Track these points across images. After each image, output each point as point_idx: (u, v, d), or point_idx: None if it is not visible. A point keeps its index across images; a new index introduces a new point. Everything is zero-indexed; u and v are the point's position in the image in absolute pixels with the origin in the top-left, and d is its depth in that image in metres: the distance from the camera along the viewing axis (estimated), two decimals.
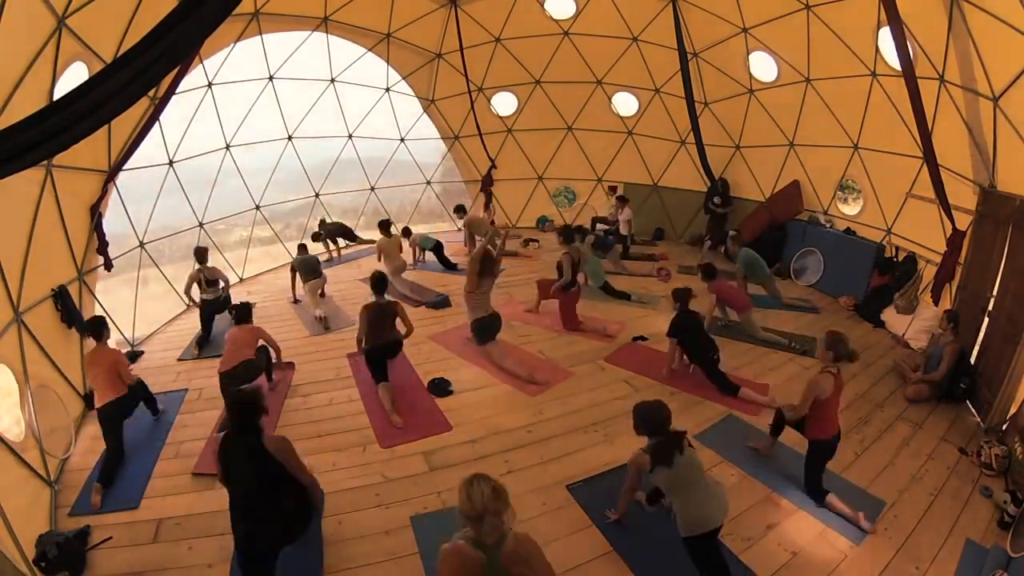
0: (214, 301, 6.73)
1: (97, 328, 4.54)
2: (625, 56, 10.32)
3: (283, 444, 2.95)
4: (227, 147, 8.69)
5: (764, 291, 7.66)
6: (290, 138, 9.75)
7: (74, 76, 4.66)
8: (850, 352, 3.75)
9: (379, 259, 8.14)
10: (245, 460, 2.78)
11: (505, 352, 5.77)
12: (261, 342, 5.25)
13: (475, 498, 2.10)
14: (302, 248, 8.00)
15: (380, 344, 5.11)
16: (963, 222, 6.01)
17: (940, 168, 5.86)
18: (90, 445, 4.44)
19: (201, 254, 6.88)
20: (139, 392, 4.65)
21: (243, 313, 5.32)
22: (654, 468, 3.05)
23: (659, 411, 3.16)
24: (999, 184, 5.46)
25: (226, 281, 7.05)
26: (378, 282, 5.29)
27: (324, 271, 7.93)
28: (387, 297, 5.38)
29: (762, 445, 4.36)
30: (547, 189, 12.34)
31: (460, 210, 10.40)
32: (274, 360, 5.40)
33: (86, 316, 5.26)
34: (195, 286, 6.80)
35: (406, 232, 9.71)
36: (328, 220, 10.47)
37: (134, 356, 6.15)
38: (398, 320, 5.26)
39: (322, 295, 7.86)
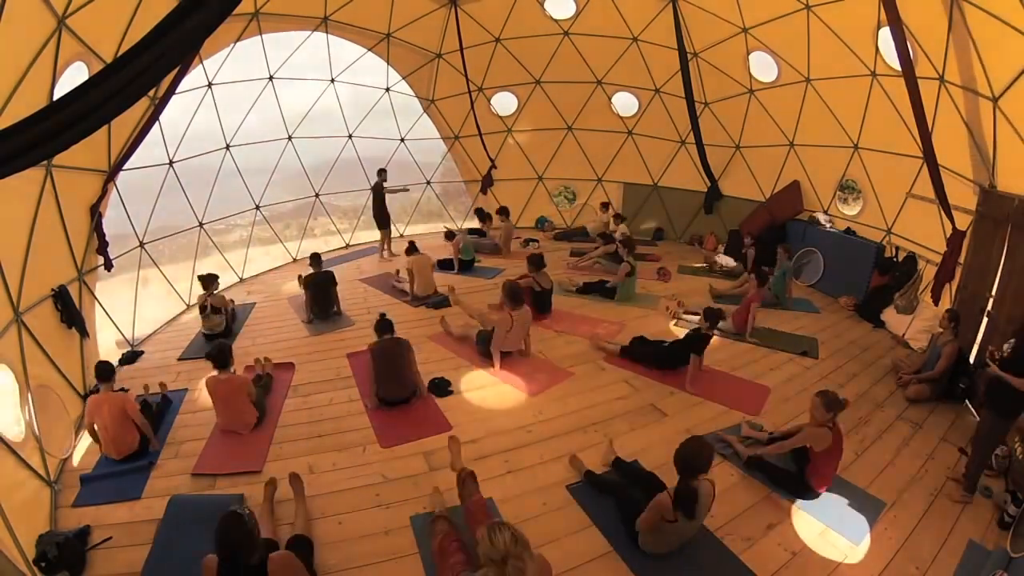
0: (211, 335, 6.41)
1: (105, 372, 4.34)
2: (625, 56, 10.32)
3: (289, 564, 2.67)
4: (227, 147, 8.69)
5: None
6: (290, 138, 9.75)
7: (74, 76, 4.66)
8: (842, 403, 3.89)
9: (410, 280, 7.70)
10: None
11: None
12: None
13: (497, 543, 2.28)
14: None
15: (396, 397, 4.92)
16: (963, 222, 6.01)
17: (940, 168, 5.85)
18: (90, 445, 4.43)
19: (208, 280, 6.53)
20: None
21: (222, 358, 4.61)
22: (676, 514, 3.17)
23: (697, 454, 3.22)
24: (999, 184, 5.47)
25: (231, 309, 6.85)
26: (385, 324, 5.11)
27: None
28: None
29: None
30: (547, 189, 12.34)
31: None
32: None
33: (86, 316, 5.27)
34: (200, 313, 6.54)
35: (449, 235, 9.95)
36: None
37: (134, 356, 6.16)
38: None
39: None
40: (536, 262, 7.00)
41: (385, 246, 10.06)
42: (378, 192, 9.56)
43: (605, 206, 11.45)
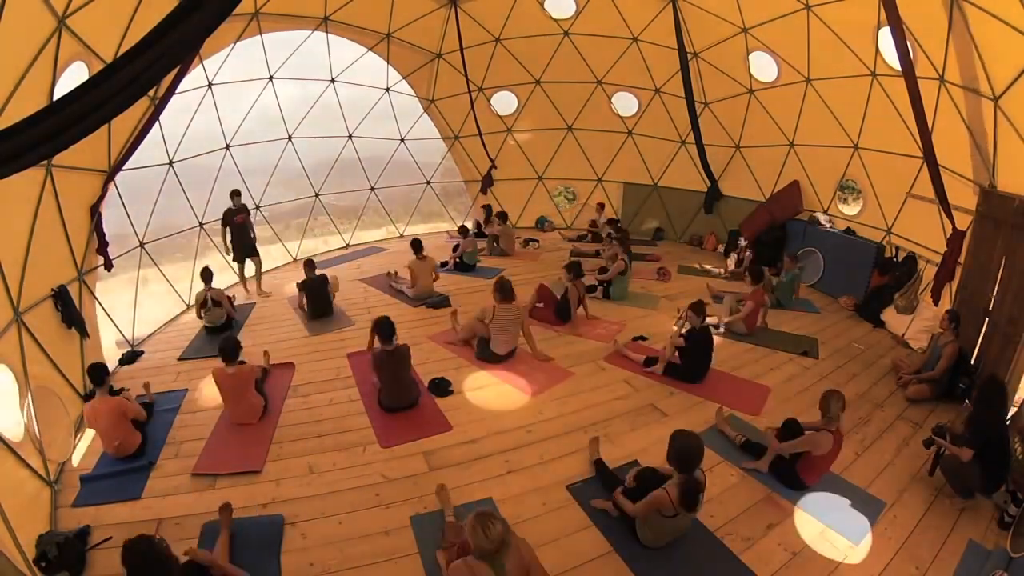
0: (214, 328, 6.68)
1: (97, 375, 4.20)
2: (625, 56, 10.32)
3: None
4: (227, 147, 8.69)
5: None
6: (290, 138, 9.76)
7: (74, 76, 4.66)
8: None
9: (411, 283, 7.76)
10: None
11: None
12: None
13: (492, 535, 2.32)
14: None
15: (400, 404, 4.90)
16: (963, 222, 6.01)
17: (940, 168, 5.85)
18: (90, 446, 4.44)
19: (206, 274, 6.87)
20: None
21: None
22: (678, 508, 3.17)
23: (694, 448, 3.18)
24: (999, 184, 5.46)
25: (230, 301, 7.08)
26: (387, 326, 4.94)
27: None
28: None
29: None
30: (547, 189, 12.34)
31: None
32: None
33: (86, 316, 5.27)
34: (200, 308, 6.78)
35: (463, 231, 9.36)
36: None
37: (134, 356, 6.16)
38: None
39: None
40: (576, 271, 6.83)
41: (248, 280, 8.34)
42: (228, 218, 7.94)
43: (601, 206, 11.52)
